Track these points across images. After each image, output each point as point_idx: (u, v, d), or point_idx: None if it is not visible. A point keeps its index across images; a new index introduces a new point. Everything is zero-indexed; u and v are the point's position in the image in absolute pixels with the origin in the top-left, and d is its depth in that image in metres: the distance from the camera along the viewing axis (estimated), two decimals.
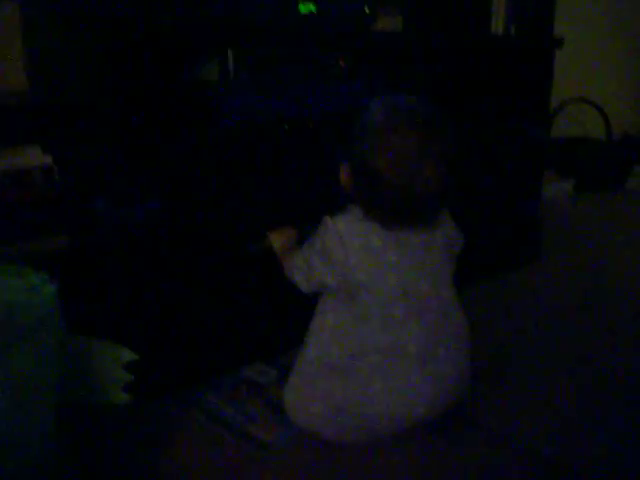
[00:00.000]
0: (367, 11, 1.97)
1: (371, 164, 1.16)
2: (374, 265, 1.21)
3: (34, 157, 1.57)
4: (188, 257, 1.42)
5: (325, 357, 1.27)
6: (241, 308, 1.52)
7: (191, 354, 1.46)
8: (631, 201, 3.02)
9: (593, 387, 1.51)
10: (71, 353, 1.04)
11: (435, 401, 1.27)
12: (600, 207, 2.92)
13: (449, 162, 1.17)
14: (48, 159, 1.57)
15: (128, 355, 1.07)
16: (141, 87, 1.37)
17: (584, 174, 3.00)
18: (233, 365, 1.51)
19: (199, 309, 1.44)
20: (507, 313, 1.89)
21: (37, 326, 0.95)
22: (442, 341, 1.27)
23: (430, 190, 1.18)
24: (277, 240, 1.44)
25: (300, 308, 1.58)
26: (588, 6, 3.15)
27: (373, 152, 1.16)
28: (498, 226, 2.09)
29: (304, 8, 1.84)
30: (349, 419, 1.26)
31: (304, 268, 1.28)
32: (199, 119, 1.37)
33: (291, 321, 1.59)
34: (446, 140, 1.18)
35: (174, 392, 1.39)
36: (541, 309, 1.92)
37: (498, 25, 2.10)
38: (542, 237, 2.28)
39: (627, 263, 2.29)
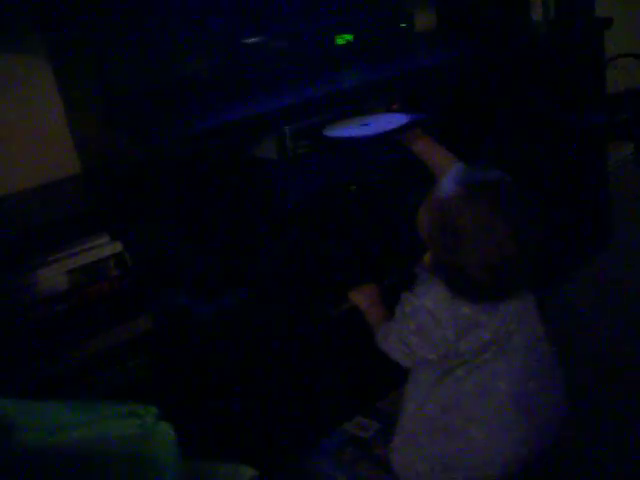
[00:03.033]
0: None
1: (462, 262, 1.11)
2: (470, 330, 1.19)
3: (104, 246, 1.58)
4: (276, 332, 1.42)
5: (422, 413, 1.27)
6: (335, 366, 1.53)
7: (294, 420, 1.47)
8: None
9: None
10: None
11: (534, 438, 1.26)
12: None
13: (537, 239, 1.13)
14: (119, 246, 1.58)
15: (248, 473, 1.07)
16: (203, 170, 1.36)
17: None
18: (334, 424, 1.52)
19: (295, 381, 1.45)
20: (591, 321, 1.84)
21: (156, 463, 0.96)
22: (533, 377, 1.25)
23: (520, 271, 1.14)
24: (361, 300, 1.43)
25: None
26: None
27: (464, 250, 1.10)
28: (569, 219, 2.03)
29: (340, 39, 1.80)
30: (456, 473, 1.26)
31: (402, 348, 1.26)
32: (268, 195, 1.36)
33: (382, 368, 1.60)
34: (536, 216, 1.13)
35: (288, 461, 1.41)
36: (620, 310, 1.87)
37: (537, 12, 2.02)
38: (612, 222, 2.20)
39: None
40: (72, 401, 1.11)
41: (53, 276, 1.50)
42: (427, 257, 1.22)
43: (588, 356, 1.67)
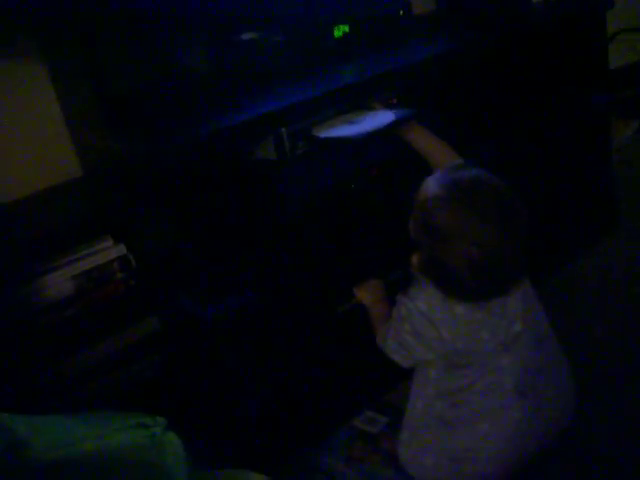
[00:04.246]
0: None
1: (445, 261, 1.12)
2: (465, 329, 1.20)
3: (108, 250, 1.58)
4: (282, 331, 1.43)
5: (431, 410, 1.29)
6: (342, 361, 1.53)
7: (303, 418, 1.48)
8: None
9: None
10: None
11: (543, 431, 1.27)
12: None
13: (525, 236, 1.13)
14: (122, 249, 1.58)
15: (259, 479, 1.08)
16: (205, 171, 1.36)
17: None
18: (343, 419, 1.53)
19: (304, 378, 1.46)
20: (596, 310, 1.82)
21: (166, 472, 0.98)
22: (539, 370, 1.26)
23: (506, 268, 1.13)
24: (366, 296, 1.44)
25: None
26: None
27: (445, 249, 1.11)
28: (573, 202, 2.02)
29: (338, 32, 1.78)
30: (464, 467, 1.27)
31: (399, 350, 1.28)
32: (271, 196, 1.36)
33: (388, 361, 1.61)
34: (522, 214, 1.12)
35: (297, 459, 1.42)
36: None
37: None
38: (618, 204, 2.18)
39: None
40: (82, 414, 1.12)
41: (59, 282, 1.52)
42: (415, 256, 1.21)
43: (591, 344, 1.66)
